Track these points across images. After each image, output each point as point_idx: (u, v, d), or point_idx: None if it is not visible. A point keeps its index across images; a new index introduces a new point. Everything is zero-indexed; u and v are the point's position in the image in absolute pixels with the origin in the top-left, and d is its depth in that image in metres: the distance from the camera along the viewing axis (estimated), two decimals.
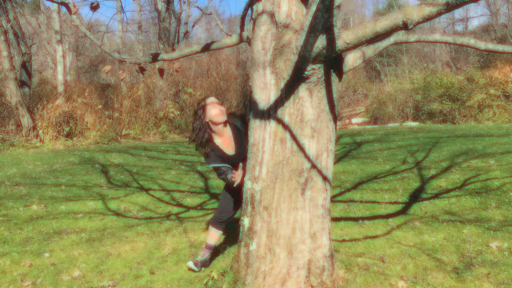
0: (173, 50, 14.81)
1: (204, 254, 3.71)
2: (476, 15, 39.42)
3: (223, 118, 3.48)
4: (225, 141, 3.56)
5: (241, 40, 3.28)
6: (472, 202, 5.18)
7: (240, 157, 3.45)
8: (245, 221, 3.06)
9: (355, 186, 6.40)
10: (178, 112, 15.50)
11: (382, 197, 5.73)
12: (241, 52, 17.85)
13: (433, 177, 6.55)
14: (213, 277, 3.26)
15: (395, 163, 7.86)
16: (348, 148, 10.14)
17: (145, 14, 24.39)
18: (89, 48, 26.79)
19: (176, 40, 17.33)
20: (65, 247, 4.23)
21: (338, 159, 8.59)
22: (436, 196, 5.56)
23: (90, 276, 3.55)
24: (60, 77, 15.62)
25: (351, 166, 7.81)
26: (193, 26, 19.62)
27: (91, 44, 28.87)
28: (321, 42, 2.60)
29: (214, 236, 3.76)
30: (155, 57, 3.24)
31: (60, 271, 3.64)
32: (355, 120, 17.33)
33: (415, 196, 5.66)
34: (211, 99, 3.56)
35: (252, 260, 2.98)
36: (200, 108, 3.52)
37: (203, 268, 3.61)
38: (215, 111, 3.46)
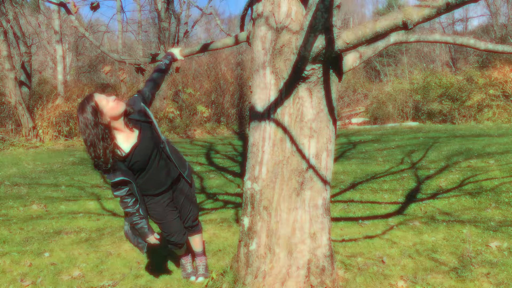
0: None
1: (187, 262, 3.56)
2: (476, 15, 39.43)
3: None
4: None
5: (241, 40, 3.28)
6: (471, 202, 5.18)
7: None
8: (245, 221, 3.06)
9: (355, 186, 6.40)
10: (178, 112, 15.51)
11: (381, 197, 5.74)
12: (241, 52, 17.84)
13: (432, 177, 6.55)
14: (212, 277, 3.26)
15: (395, 163, 7.86)
16: (347, 148, 10.14)
17: (145, 14, 24.37)
18: (89, 48, 26.73)
19: (176, 40, 17.32)
20: (65, 246, 4.24)
21: (338, 158, 8.59)
22: (436, 196, 5.57)
23: (90, 275, 3.55)
24: (60, 76, 15.62)
25: (351, 166, 7.82)
26: (193, 26, 19.58)
27: (91, 44, 28.79)
28: (320, 42, 2.60)
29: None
30: (154, 57, 3.24)
31: (60, 271, 3.64)
32: (354, 120, 17.34)
33: (415, 196, 5.67)
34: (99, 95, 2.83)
35: (252, 260, 2.98)
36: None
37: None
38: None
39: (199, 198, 6.21)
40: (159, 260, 3.87)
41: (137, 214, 2.96)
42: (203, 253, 3.55)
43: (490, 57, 18.01)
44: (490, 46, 3.17)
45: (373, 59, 26.05)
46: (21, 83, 13.99)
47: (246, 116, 15.98)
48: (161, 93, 15.58)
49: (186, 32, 18.08)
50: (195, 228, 3.43)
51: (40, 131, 13.25)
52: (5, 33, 12.87)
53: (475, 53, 20.73)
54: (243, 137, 13.54)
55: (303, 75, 2.81)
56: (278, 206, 2.94)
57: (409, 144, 9.99)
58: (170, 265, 3.76)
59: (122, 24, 20.74)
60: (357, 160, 8.38)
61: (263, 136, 2.99)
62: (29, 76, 15.13)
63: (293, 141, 2.92)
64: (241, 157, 9.42)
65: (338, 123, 15.08)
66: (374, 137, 11.99)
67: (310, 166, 2.93)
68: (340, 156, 8.99)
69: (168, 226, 3.22)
